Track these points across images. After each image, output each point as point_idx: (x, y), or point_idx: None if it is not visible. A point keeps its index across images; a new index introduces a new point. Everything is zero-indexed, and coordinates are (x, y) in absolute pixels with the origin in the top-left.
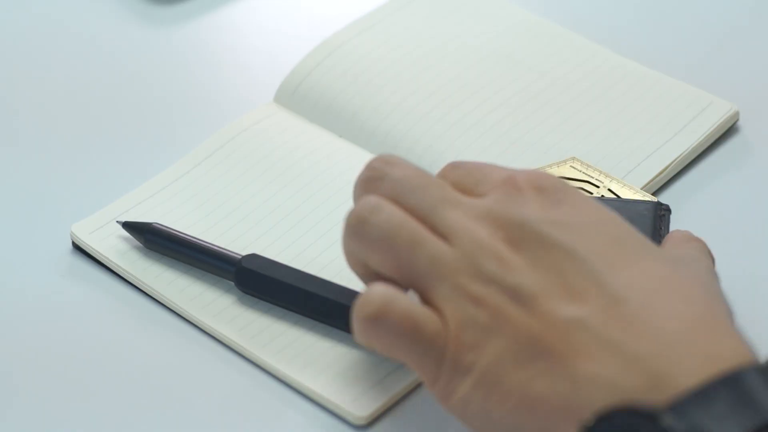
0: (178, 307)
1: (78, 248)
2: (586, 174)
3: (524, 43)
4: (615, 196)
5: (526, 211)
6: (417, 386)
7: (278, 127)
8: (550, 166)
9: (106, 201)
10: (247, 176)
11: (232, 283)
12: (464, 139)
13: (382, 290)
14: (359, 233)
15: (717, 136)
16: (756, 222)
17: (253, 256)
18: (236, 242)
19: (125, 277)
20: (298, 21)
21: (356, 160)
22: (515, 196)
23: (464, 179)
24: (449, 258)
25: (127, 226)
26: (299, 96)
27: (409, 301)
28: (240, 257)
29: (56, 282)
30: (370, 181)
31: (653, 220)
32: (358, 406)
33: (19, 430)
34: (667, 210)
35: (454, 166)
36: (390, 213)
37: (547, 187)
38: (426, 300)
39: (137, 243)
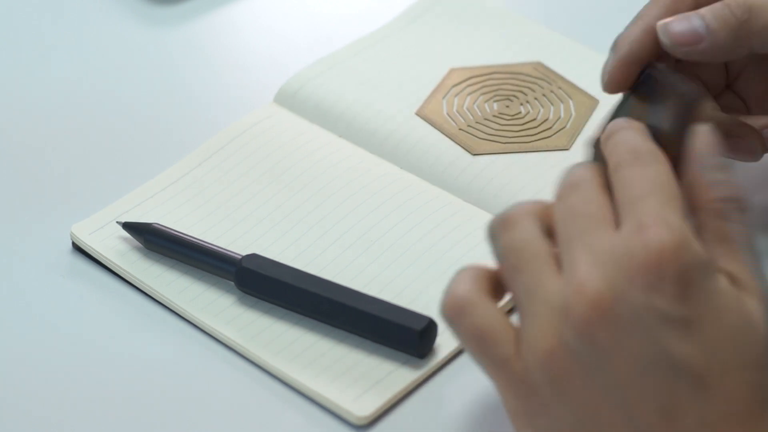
0: (178, 307)
1: (78, 248)
2: (547, 80)
3: (529, 55)
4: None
5: (642, 297)
6: (417, 386)
7: (279, 128)
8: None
9: (106, 201)
10: (248, 177)
11: (233, 284)
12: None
13: (462, 293)
14: (498, 236)
15: None
16: (755, 220)
17: (254, 256)
18: (236, 242)
19: (125, 278)
20: (298, 21)
21: (356, 160)
22: (643, 267)
23: (630, 187)
24: (546, 293)
25: (127, 226)
26: (300, 97)
27: (486, 312)
28: (240, 257)
29: (56, 282)
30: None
31: None
32: (358, 406)
33: (19, 429)
34: None
35: (638, 161)
36: (522, 231)
37: (681, 273)
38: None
39: (137, 243)
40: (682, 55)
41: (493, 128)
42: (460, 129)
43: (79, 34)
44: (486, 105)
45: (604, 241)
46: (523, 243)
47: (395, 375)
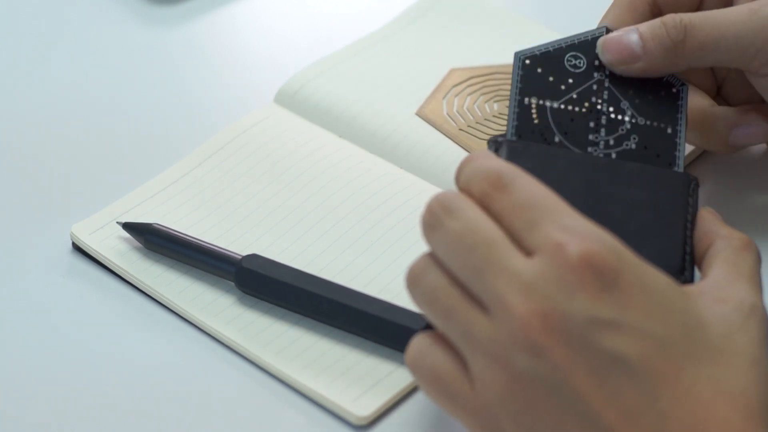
0: (178, 307)
1: (78, 249)
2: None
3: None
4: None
5: (572, 302)
6: (417, 386)
7: (279, 128)
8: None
9: (106, 201)
10: (248, 177)
11: (233, 284)
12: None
13: (415, 344)
14: (410, 293)
15: None
16: (755, 221)
17: (254, 257)
18: (236, 242)
19: (125, 278)
20: (298, 21)
21: (356, 160)
22: (563, 274)
23: (514, 214)
24: (482, 333)
25: (128, 226)
26: (300, 97)
27: (439, 358)
28: (240, 257)
29: (56, 282)
30: (428, 228)
31: (685, 197)
32: (358, 406)
33: (19, 429)
34: (697, 184)
35: (504, 188)
36: (431, 280)
37: (599, 265)
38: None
39: (137, 244)
40: (621, 72)
41: (493, 128)
42: (460, 129)
43: (79, 34)
44: (486, 105)
45: (523, 267)
46: (440, 288)
47: (395, 375)
